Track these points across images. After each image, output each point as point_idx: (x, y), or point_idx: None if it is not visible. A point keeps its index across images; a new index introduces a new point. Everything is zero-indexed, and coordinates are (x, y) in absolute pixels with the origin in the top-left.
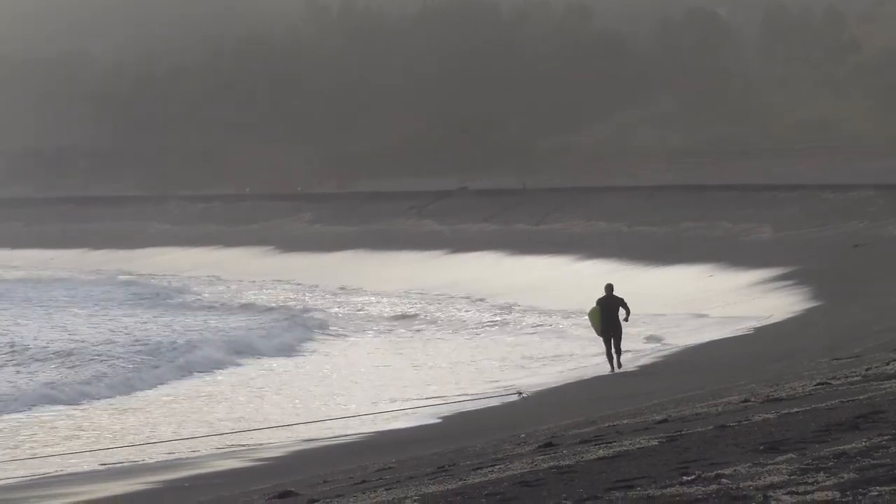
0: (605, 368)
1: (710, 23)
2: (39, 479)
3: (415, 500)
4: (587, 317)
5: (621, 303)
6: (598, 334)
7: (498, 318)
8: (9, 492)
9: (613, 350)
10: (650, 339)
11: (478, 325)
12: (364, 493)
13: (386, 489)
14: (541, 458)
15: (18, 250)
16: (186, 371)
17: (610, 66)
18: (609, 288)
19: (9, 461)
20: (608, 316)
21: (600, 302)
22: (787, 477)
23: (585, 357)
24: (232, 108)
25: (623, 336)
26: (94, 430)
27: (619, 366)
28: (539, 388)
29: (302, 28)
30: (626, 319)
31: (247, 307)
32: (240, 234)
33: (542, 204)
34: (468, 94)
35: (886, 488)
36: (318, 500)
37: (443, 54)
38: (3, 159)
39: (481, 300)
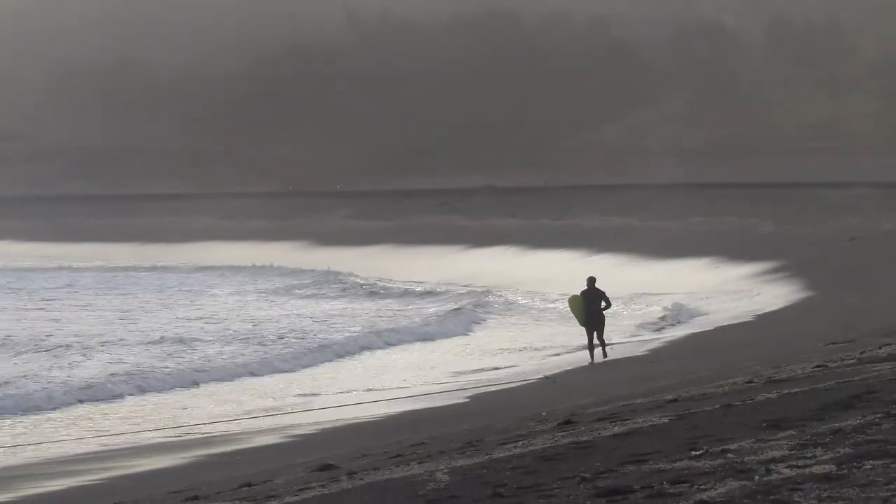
0: (612, 353)
1: (719, 31)
2: (106, 451)
3: (445, 473)
4: (567, 302)
5: (603, 296)
6: (581, 324)
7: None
8: (65, 464)
9: (597, 340)
10: (669, 310)
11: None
12: (398, 467)
13: (419, 462)
14: (561, 434)
15: (84, 244)
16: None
17: (625, 71)
18: (591, 280)
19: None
20: (590, 308)
21: (584, 294)
22: (787, 452)
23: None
24: (276, 111)
25: (606, 327)
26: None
27: (605, 355)
28: (560, 370)
29: (341, 36)
30: (607, 307)
31: (426, 294)
32: (283, 229)
33: (561, 200)
34: (494, 97)
35: (879, 462)
36: (356, 473)
37: (471, 61)
38: (68, 158)
39: (514, 289)
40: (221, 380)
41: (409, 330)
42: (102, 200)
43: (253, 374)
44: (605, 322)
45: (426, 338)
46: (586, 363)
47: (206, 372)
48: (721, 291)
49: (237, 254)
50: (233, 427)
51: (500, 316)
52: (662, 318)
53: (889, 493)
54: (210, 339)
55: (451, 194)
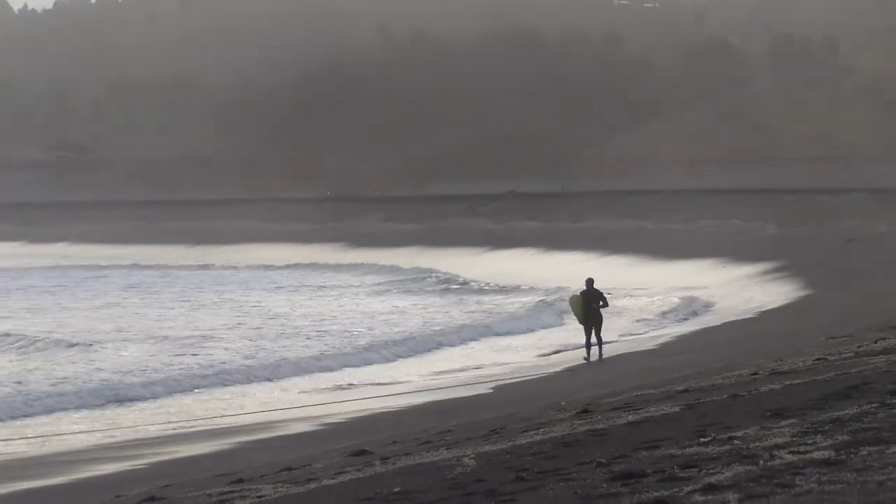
0: (626, 348)
1: (726, 50)
2: (152, 438)
3: (472, 458)
4: (568, 301)
5: (600, 296)
6: (580, 323)
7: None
8: (115, 450)
9: (594, 339)
10: (683, 301)
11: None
12: (428, 452)
13: (447, 448)
14: (579, 422)
15: (140, 245)
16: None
17: (639, 86)
18: (590, 282)
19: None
20: (589, 307)
21: (583, 294)
22: (789, 438)
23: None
24: (317, 123)
25: (603, 327)
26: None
27: (601, 355)
28: (580, 363)
29: (377, 55)
30: (604, 307)
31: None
32: (322, 231)
33: (580, 205)
34: (517, 110)
35: (874, 448)
36: (389, 458)
37: (496, 77)
38: (127, 167)
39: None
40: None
41: (515, 320)
42: (157, 205)
43: (356, 365)
44: (603, 321)
45: (530, 328)
46: (582, 360)
47: (274, 367)
48: (728, 288)
49: (283, 254)
50: (272, 416)
51: None
52: (676, 309)
53: (884, 477)
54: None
55: (476, 199)
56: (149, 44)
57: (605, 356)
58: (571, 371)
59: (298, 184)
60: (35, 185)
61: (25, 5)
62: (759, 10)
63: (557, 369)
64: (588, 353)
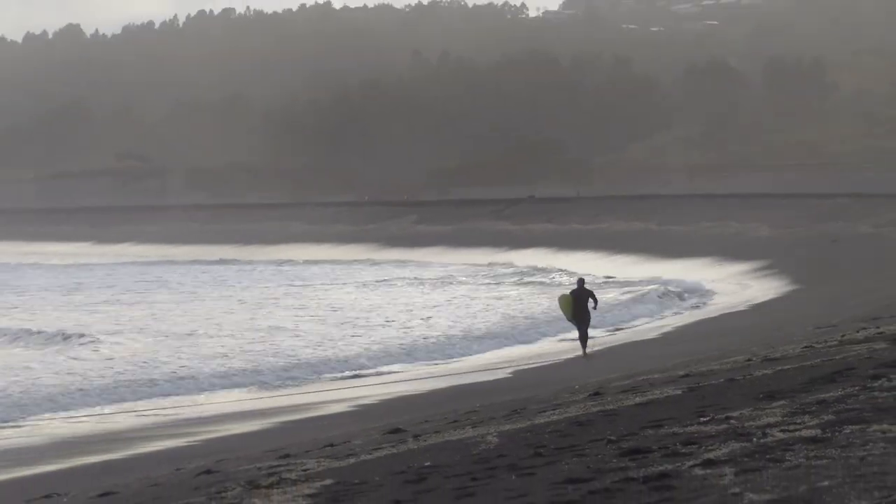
0: (637, 337)
1: (724, 70)
2: (199, 418)
3: (494, 436)
4: (557, 301)
5: (590, 294)
6: (569, 320)
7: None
8: (173, 427)
9: (580, 336)
10: (685, 288)
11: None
12: (455, 430)
13: (472, 427)
14: (591, 403)
15: (194, 245)
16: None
17: (645, 102)
18: (581, 281)
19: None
20: (579, 306)
21: (573, 293)
22: (780, 418)
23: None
24: (354, 134)
25: (591, 324)
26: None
27: (584, 353)
28: (594, 350)
29: (409, 74)
30: (594, 307)
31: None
32: (360, 233)
33: (592, 208)
34: (535, 123)
35: (857, 427)
36: (420, 435)
37: (517, 93)
38: (183, 174)
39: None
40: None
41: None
42: (210, 209)
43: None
44: (591, 319)
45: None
46: (578, 353)
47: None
48: (724, 283)
49: (327, 253)
50: (310, 398)
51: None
52: (679, 295)
53: (865, 453)
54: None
55: (499, 203)
56: (204, 65)
57: (598, 348)
58: (587, 357)
59: (338, 190)
60: (103, 192)
61: (97, 30)
62: (755, 35)
63: (570, 356)
64: (584, 347)
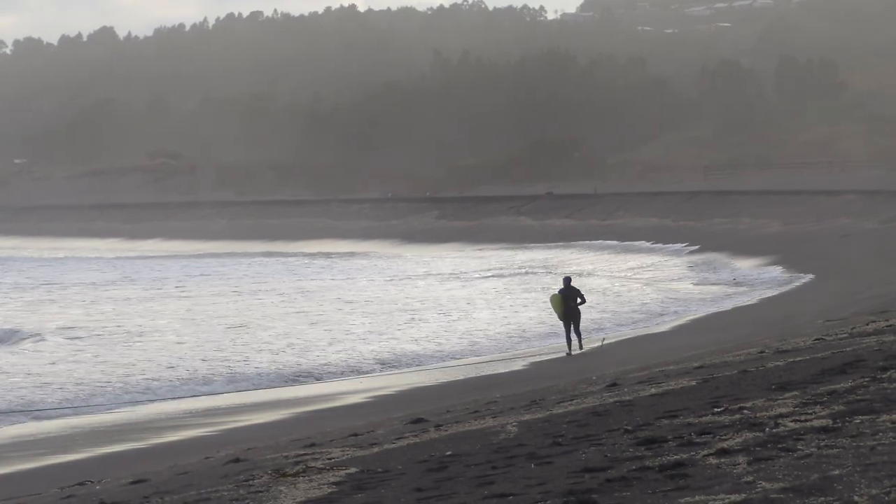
0: (649, 330)
1: (737, 69)
2: (217, 408)
3: (514, 426)
4: (549, 300)
5: (578, 293)
6: (560, 319)
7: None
8: (200, 417)
9: (573, 334)
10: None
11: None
12: (476, 420)
13: (492, 417)
14: (607, 394)
15: (224, 241)
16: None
17: (660, 101)
18: (567, 280)
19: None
20: (568, 304)
21: (562, 292)
22: (792, 409)
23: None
24: (378, 132)
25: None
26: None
27: (581, 347)
28: (610, 342)
29: (430, 73)
30: (582, 303)
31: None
32: (384, 228)
33: (609, 204)
34: (554, 122)
35: (867, 417)
36: (442, 425)
37: (535, 93)
38: (212, 172)
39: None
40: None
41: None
42: (238, 206)
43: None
44: (581, 315)
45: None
46: (563, 353)
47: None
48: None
49: (350, 248)
50: (329, 388)
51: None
52: (694, 266)
53: (875, 443)
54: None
55: (518, 200)
56: (233, 66)
57: (612, 340)
58: (602, 345)
59: (362, 186)
60: (135, 189)
61: (129, 33)
62: (766, 36)
63: (587, 348)
64: (569, 347)
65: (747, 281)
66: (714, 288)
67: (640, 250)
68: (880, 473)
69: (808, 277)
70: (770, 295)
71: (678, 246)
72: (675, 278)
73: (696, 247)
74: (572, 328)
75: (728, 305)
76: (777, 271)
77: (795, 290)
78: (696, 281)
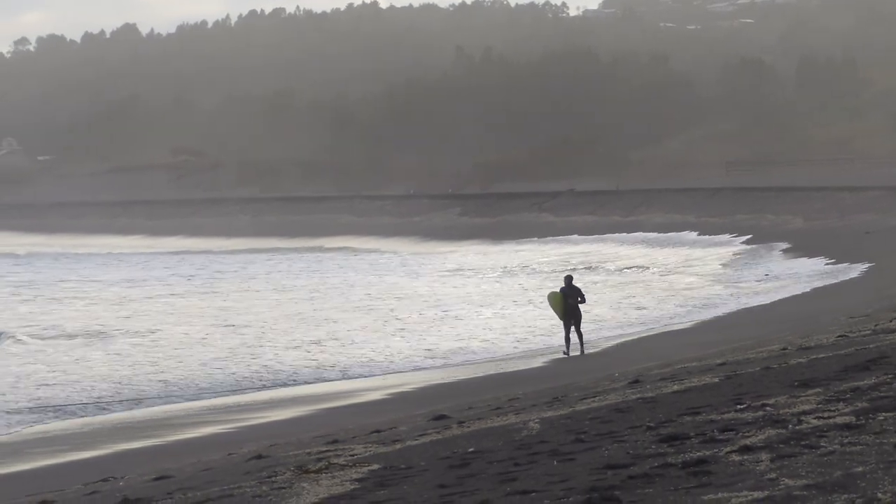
0: (669, 326)
1: (759, 66)
2: (241, 405)
3: (536, 422)
4: (547, 299)
5: (579, 292)
6: (560, 318)
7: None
8: (222, 413)
9: (574, 334)
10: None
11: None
12: (498, 417)
13: (515, 414)
14: (630, 391)
15: (247, 238)
16: None
17: (682, 97)
18: (569, 279)
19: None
20: (568, 303)
21: (562, 290)
22: (815, 405)
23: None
24: (401, 129)
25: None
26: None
27: (582, 349)
28: (632, 339)
29: (452, 69)
30: (582, 302)
31: None
32: (407, 225)
33: (631, 201)
34: (575, 119)
35: (890, 414)
36: (464, 422)
37: (557, 90)
38: (235, 168)
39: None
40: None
41: None
42: (261, 202)
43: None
44: (583, 315)
45: None
46: (561, 355)
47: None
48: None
49: (375, 244)
50: (349, 385)
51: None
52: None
53: None
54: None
55: (540, 196)
56: (256, 63)
57: (632, 338)
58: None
59: (385, 183)
60: (158, 186)
61: (152, 29)
62: (789, 32)
63: (609, 345)
64: (567, 347)
65: (775, 277)
66: (742, 283)
67: (674, 243)
68: None
69: (833, 274)
70: (794, 290)
71: (724, 237)
72: (709, 273)
73: (748, 236)
74: (573, 329)
75: (752, 302)
76: (803, 267)
77: (818, 289)
78: (727, 276)
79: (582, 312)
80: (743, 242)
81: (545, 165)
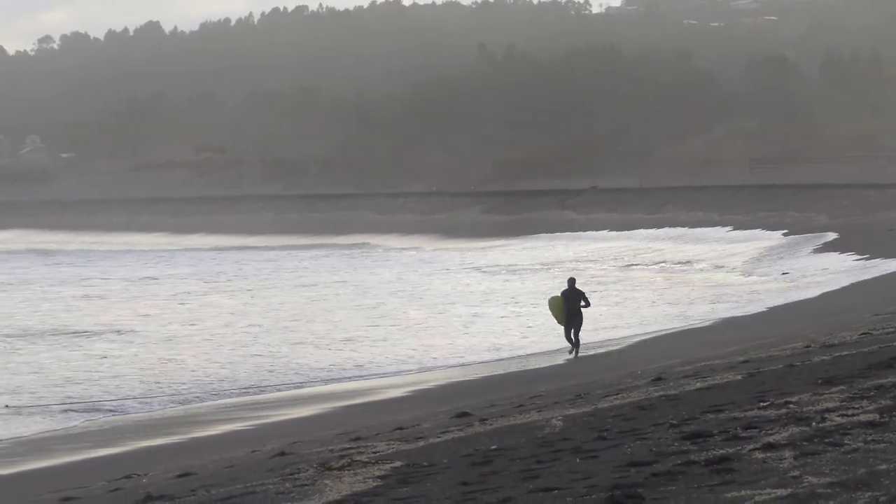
0: (689, 324)
1: (783, 63)
2: (260, 402)
3: (559, 420)
4: (547, 304)
5: (582, 295)
6: (560, 323)
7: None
8: (245, 410)
9: (573, 338)
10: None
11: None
12: (521, 414)
13: (538, 411)
14: (653, 389)
15: (270, 236)
16: None
17: (706, 94)
18: (571, 282)
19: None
20: (571, 307)
21: (564, 293)
22: (839, 403)
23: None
24: (424, 127)
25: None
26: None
27: (576, 355)
28: (653, 336)
29: (475, 67)
30: (586, 306)
31: None
32: (428, 222)
33: (654, 198)
34: (599, 116)
35: None
36: (487, 419)
37: (580, 87)
38: (259, 166)
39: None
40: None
41: None
42: (283, 199)
43: None
44: (584, 320)
45: None
46: (568, 354)
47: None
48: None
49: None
50: (369, 383)
51: None
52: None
53: None
54: None
55: (563, 194)
56: (278, 60)
57: (655, 335)
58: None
59: (408, 180)
60: (181, 183)
61: (175, 27)
62: (812, 30)
63: (632, 342)
64: (572, 346)
65: (797, 275)
66: (764, 280)
67: (702, 239)
68: None
69: (857, 272)
70: (817, 288)
71: (757, 231)
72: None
73: (785, 230)
74: (572, 332)
75: (775, 299)
76: (827, 264)
77: (842, 288)
78: (747, 273)
79: (583, 316)
80: (782, 235)
81: (568, 163)
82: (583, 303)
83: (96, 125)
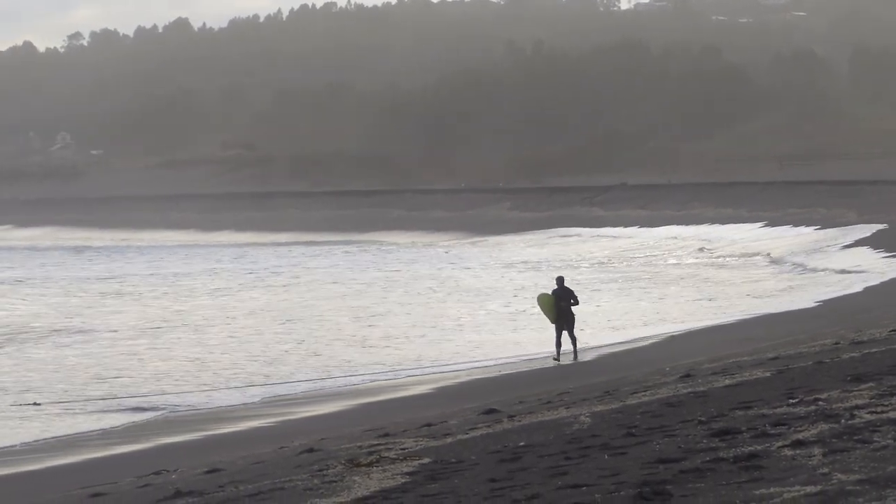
0: (719, 320)
1: (811, 58)
2: (277, 399)
3: (587, 417)
4: (537, 302)
5: (571, 294)
6: (552, 322)
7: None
8: (272, 407)
9: (568, 338)
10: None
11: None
12: (549, 411)
13: (566, 408)
14: (681, 385)
15: (298, 232)
16: None
17: (734, 90)
18: (560, 280)
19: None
20: (561, 305)
21: (555, 293)
22: (868, 400)
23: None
24: (451, 123)
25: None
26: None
27: (576, 355)
28: (680, 333)
29: (503, 63)
30: (575, 304)
31: None
32: (457, 219)
33: (683, 194)
34: (627, 111)
35: None
36: (515, 416)
37: (607, 83)
38: (287, 162)
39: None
40: None
41: None
42: (312, 196)
43: None
44: (576, 319)
45: None
46: (552, 362)
47: None
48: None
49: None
50: (392, 381)
51: None
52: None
53: None
54: None
55: (591, 190)
56: (307, 57)
57: (677, 333)
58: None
59: (436, 177)
60: (209, 180)
61: (204, 24)
62: (841, 24)
63: (660, 338)
64: (558, 353)
65: (825, 271)
66: (792, 277)
67: (731, 236)
68: None
69: (886, 270)
70: (846, 285)
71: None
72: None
73: (815, 226)
74: (565, 332)
75: (804, 296)
76: (855, 262)
77: (873, 285)
78: (776, 269)
79: (575, 315)
80: (814, 229)
81: (596, 159)
82: (573, 301)
83: (126, 122)
